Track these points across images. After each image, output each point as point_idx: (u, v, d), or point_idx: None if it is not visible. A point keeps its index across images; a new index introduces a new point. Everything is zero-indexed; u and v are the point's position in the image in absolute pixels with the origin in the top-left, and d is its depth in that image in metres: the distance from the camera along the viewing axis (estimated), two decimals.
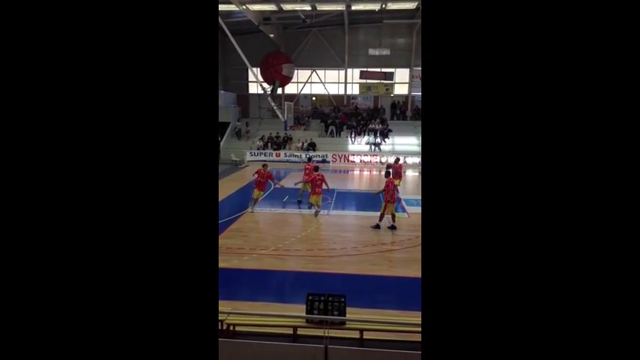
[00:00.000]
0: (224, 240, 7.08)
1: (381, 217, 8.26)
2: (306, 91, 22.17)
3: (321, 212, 9.41)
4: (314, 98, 22.33)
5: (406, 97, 21.52)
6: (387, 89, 21.42)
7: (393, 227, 8.21)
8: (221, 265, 5.60)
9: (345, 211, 10.05)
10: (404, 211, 9.94)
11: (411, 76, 20.96)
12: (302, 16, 16.98)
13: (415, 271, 6.16)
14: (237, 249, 6.80)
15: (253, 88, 21.95)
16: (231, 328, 3.83)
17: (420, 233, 7.95)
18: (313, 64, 21.35)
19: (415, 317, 3.24)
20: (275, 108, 17.91)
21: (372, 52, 20.60)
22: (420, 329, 3.10)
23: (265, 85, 19.03)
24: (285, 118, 18.07)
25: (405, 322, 3.80)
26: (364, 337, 3.81)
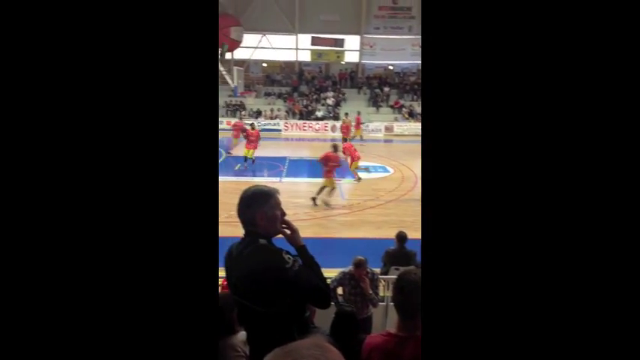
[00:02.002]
0: None
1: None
2: (257, 57, 21.50)
3: (274, 180, 9.50)
4: (265, 64, 21.76)
5: (357, 65, 21.58)
6: (337, 56, 21.32)
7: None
8: None
9: (297, 179, 10.21)
10: (353, 176, 10.28)
11: (362, 44, 20.95)
12: None
13: (364, 232, 6.53)
14: None
15: None
16: None
17: (367, 197, 8.37)
18: (263, 28, 20.60)
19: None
20: (224, 73, 17.27)
21: (322, 17, 20.25)
22: None
23: None
24: (236, 84, 17.53)
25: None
26: None
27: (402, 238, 4.34)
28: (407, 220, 7.00)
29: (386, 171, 10.96)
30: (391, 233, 4.60)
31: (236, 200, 1.56)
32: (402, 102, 19.65)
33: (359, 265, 3.23)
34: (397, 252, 4.27)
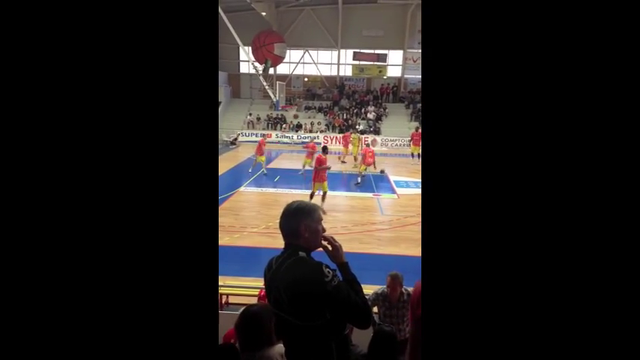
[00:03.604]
0: None
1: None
2: (298, 71, 21.93)
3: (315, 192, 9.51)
4: (306, 79, 22.13)
5: (399, 79, 21.44)
6: (379, 71, 21.30)
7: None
8: None
9: (335, 192, 10.16)
10: (393, 192, 10.09)
11: (405, 58, 20.82)
12: None
13: (403, 250, 6.33)
14: (228, 227, 6.89)
15: (244, 68, 21.64)
16: (225, 298, 3.95)
17: (407, 214, 8.16)
18: (306, 44, 21.04)
19: None
20: (267, 88, 17.74)
21: (365, 32, 20.37)
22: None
23: (257, 64, 18.79)
24: (277, 98, 17.92)
25: None
26: None
27: None
28: None
29: None
30: None
31: (275, 211, 1.54)
32: None
33: (394, 278, 3.14)
34: None
